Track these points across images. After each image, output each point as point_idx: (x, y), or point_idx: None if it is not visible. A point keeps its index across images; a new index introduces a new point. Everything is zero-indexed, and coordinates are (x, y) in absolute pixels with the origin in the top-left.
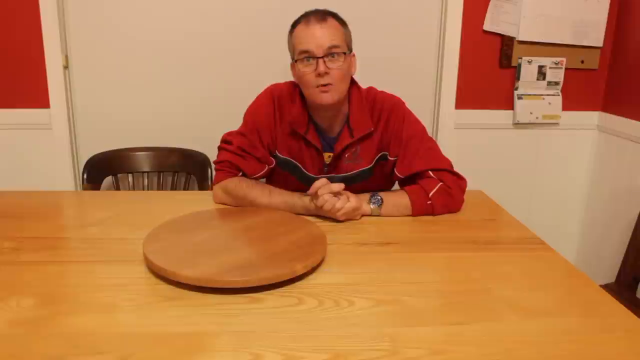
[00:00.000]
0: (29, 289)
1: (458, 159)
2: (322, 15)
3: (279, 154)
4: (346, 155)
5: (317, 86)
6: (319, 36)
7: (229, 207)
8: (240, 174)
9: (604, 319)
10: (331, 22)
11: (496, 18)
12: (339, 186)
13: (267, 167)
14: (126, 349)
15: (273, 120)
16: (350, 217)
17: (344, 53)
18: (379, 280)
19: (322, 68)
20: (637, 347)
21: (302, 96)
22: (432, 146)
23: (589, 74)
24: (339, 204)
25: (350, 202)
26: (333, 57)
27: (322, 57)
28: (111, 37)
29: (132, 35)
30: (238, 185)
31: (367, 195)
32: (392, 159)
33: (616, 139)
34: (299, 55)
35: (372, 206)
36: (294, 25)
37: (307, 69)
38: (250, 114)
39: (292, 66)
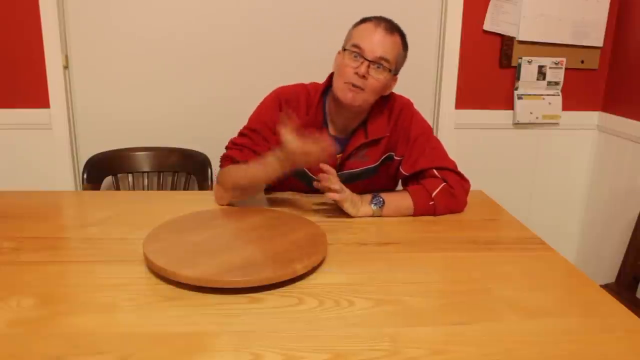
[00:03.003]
0: (29, 289)
1: (458, 159)
2: (393, 28)
3: None
4: (353, 153)
5: (348, 82)
6: (378, 42)
7: (229, 207)
8: None
9: (604, 319)
10: (396, 39)
11: (496, 18)
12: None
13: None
14: (126, 349)
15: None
16: (336, 200)
17: (390, 70)
18: (379, 280)
19: (362, 70)
20: (637, 347)
21: (319, 100)
22: (437, 146)
23: (589, 74)
24: (336, 186)
25: (342, 195)
26: (379, 67)
27: (369, 62)
28: (111, 37)
29: (132, 35)
30: (226, 171)
31: (369, 196)
32: (397, 158)
33: (616, 139)
34: (351, 47)
35: (373, 208)
36: (364, 20)
37: (351, 63)
38: (254, 118)
39: (339, 53)
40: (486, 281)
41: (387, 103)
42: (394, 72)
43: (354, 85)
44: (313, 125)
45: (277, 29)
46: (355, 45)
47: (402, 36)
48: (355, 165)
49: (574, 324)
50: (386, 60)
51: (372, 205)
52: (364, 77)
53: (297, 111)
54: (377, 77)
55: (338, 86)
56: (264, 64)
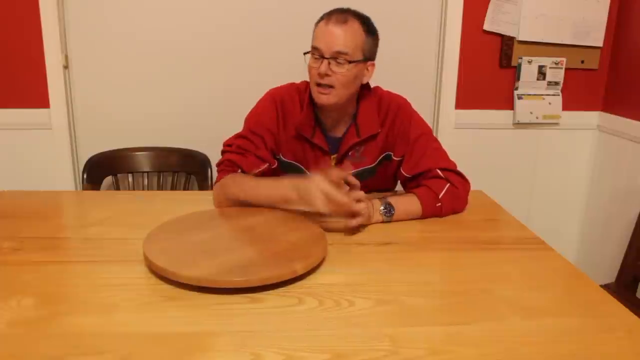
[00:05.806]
0: (29, 289)
1: (458, 159)
2: (345, 17)
3: (283, 158)
4: (350, 154)
5: (317, 84)
6: (331, 39)
7: (229, 207)
8: (239, 171)
9: (604, 319)
10: (352, 26)
11: (496, 18)
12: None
13: (267, 165)
14: (126, 349)
15: (276, 126)
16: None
17: (352, 61)
18: (379, 280)
19: (323, 69)
20: (638, 346)
21: (310, 98)
22: (438, 147)
23: (589, 74)
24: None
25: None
26: (338, 62)
27: (328, 59)
28: (111, 37)
29: (132, 35)
30: (233, 179)
31: (378, 203)
32: (396, 159)
33: (616, 139)
34: (312, 49)
35: (384, 217)
36: (320, 18)
37: (314, 65)
38: (252, 120)
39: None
40: (486, 281)
41: (376, 98)
42: (364, 59)
43: (322, 86)
44: (307, 124)
45: (276, 29)
46: (313, 47)
47: (361, 21)
48: (353, 167)
49: (574, 324)
50: (343, 53)
51: (383, 215)
52: (327, 75)
53: (293, 110)
54: (340, 71)
55: (312, 90)
56: (264, 64)
